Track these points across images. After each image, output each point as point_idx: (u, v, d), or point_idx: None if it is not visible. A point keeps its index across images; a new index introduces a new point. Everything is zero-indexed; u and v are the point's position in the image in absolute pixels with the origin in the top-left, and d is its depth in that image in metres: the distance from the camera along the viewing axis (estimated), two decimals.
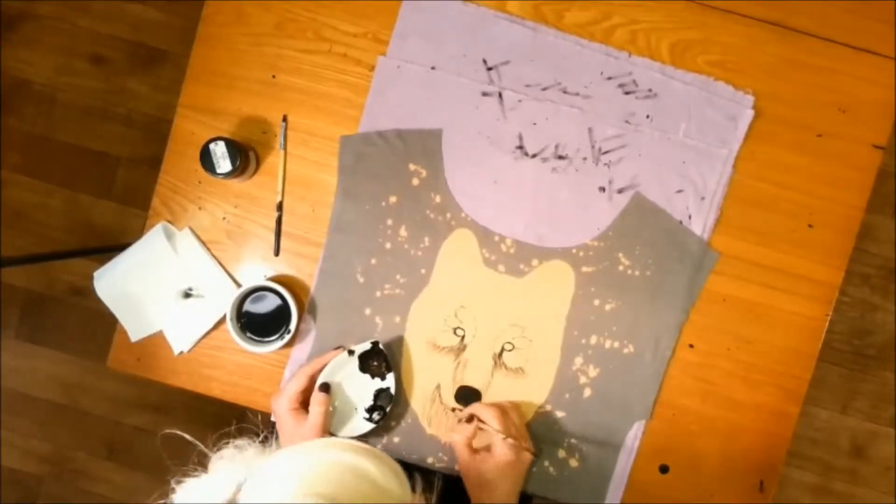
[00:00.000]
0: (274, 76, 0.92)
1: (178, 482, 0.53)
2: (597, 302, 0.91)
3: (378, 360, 0.88)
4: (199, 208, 0.93)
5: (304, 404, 0.85)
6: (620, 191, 0.91)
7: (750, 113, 0.90)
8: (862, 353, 1.71)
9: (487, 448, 0.84)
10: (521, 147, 0.91)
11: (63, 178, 1.76)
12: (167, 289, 0.92)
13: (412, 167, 0.91)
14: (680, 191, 0.91)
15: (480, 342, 0.91)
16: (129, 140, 1.75)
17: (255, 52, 0.92)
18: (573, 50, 0.91)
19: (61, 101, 1.76)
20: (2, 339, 1.77)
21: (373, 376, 0.88)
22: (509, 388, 0.91)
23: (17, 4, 1.74)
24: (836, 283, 0.91)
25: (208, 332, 0.92)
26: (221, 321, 0.91)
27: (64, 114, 1.76)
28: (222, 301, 0.90)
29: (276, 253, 0.92)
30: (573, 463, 0.91)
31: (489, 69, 0.91)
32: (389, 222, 0.91)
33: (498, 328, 0.91)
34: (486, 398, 0.91)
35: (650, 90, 0.91)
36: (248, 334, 0.90)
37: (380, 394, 0.88)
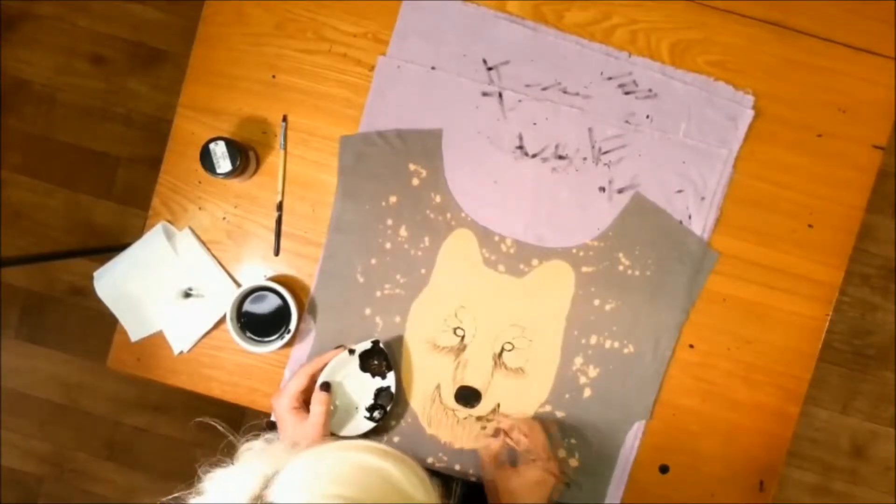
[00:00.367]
0: (274, 76, 0.92)
1: (206, 472, 0.53)
2: (597, 302, 0.91)
3: (379, 359, 0.88)
4: (199, 208, 0.93)
5: (305, 403, 0.85)
6: (620, 191, 0.91)
7: (750, 113, 0.90)
8: (862, 353, 1.71)
9: (513, 462, 0.86)
10: (521, 147, 0.91)
11: (63, 178, 1.76)
12: (167, 289, 0.92)
13: (412, 167, 0.91)
14: (680, 191, 0.91)
15: (480, 342, 0.91)
16: (129, 140, 1.75)
17: (255, 52, 0.92)
18: (573, 50, 0.91)
19: (61, 101, 1.75)
20: (2, 339, 1.77)
21: (373, 375, 0.88)
22: (509, 388, 0.91)
23: (17, 4, 1.74)
24: (836, 283, 0.91)
25: (208, 332, 0.92)
26: (221, 321, 0.91)
27: (64, 114, 1.76)
28: (222, 301, 0.90)
29: (276, 253, 0.92)
30: (573, 463, 0.91)
31: (489, 69, 0.91)
32: (389, 222, 0.91)
33: (498, 328, 0.91)
34: (486, 398, 0.91)
35: (650, 90, 0.91)
36: (248, 334, 0.90)
37: (380, 392, 0.88)
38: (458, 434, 0.91)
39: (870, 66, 0.91)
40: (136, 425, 1.77)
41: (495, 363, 0.91)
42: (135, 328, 0.92)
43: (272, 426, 0.91)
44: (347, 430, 0.87)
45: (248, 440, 0.57)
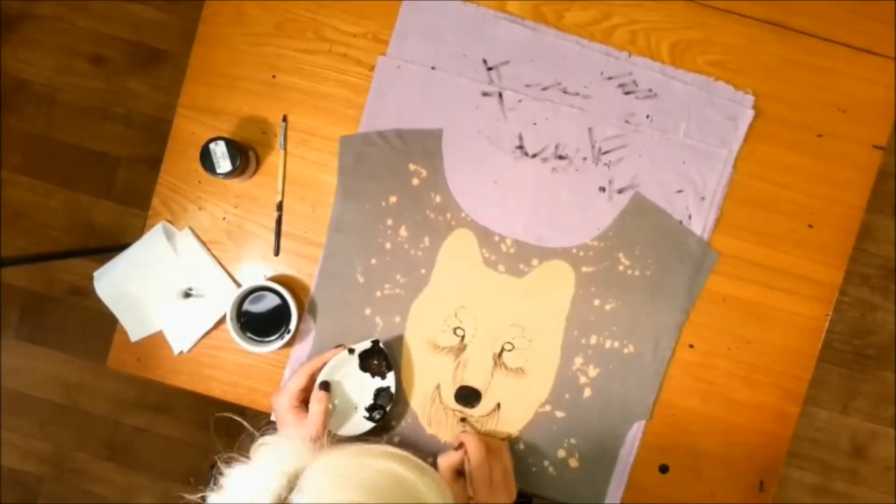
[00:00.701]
0: (274, 76, 0.92)
1: (224, 465, 0.52)
2: (597, 302, 0.91)
3: (378, 358, 0.87)
4: (199, 208, 0.93)
5: (305, 403, 0.84)
6: (620, 191, 0.91)
7: (750, 113, 0.90)
8: (862, 353, 1.71)
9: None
10: (521, 147, 0.91)
11: (63, 178, 1.76)
12: (167, 289, 0.92)
13: (412, 167, 0.91)
14: (680, 191, 0.91)
15: (480, 342, 0.91)
16: (129, 140, 1.75)
17: (255, 52, 0.92)
18: (573, 50, 0.91)
19: (61, 101, 1.75)
20: (2, 339, 1.77)
21: (373, 375, 0.88)
22: (509, 388, 0.91)
23: (17, 4, 1.74)
24: (836, 283, 0.91)
25: (208, 332, 0.92)
26: (221, 321, 0.91)
27: (64, 114, 1.76)
28: (222, 301, 0.90)
29: (276, 253, 0.92)
30: (573, 463, 0.91)
31: (489, 69, 0.91)
32: (389, 222, 0.91)
33: (498, 328, 0.91)
34: (485, 398, 0.91)
35: (650, 90, 0.91)
36: (248, 334, 0.90)
37: (380, 393, 0.88)
38: (458, 434, 0.91)
39: (870, 66, 0.91)
40: (136, 425, 1.77)
41: (495, 363, 0.91)
42: (135, 328, 0.92)
43: (273, 425, 0.91)
44: (347, 430, 0.87)
45: (263, 433, 0.56)
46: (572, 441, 0.91)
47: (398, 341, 0.91)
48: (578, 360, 0.91)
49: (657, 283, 0.90)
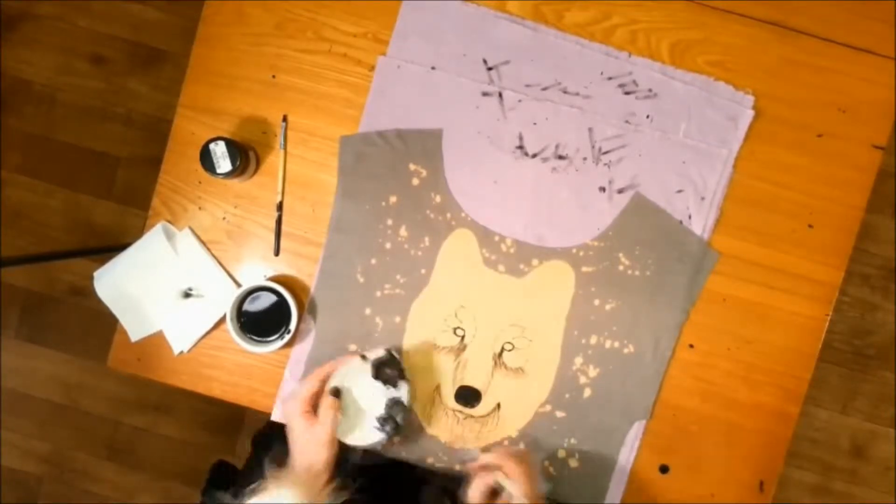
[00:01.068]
0: (274, 76, 0.92)
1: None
2: (597, 302, 0.91)
3: (392, 367, 0.85)
4: (199, 208, 0.93)
5: (316, 408, 0.83)
6: (620, 191, 0.91)
7: (750, 113, 0.90)
8: (862, 353, 1.71)
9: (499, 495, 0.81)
10: (521, 147, 0.91)
11: (63, 178, 1.76)
12: (167, 289, 0.92)
13: (412, 167, 0.91)
14: (680, 191, 0.91)
15: (480, 342, 0.91)
16: (129, 140, 1.75)
17: (255, 52, 0.92)
18: (573, 50, 0.91)
19: (61, 101, 1.75)
20: (2, 339, 1.77)
21: (385, 384, 0.85)
22: (509, 388, 0.91)
23: (17, 4, 1.74)
24: (836, 283, 0.91)
25: (208, 332, 0.92)
26: (221, 321, 0.91)
27: (64, 114, 1.76)
28: (222, 301, 0.90)
29: (276, 253, 0.92)
30: (573, 463, 0.91)
31: (489, 69, 0.91)
32: (389, 222, 0.91)
33: (498, 328, 0.91)
34: (486, 398, 0.91)
35: (650, 90, 0.91)
36: (248, 334, 0.90)
37: (393, 404, 0.85)
38: (458, 434, 0.91)
39: (870, 66, 0.91)
40: (136, 425, 1.77)
41: (495, 363, 0.91)
42: (135, 328, 0.92)
43: (273, 426, 0.91)
44: (357, 439, 0.85)
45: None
46: (572, 441, 0.91)
47: (398, 341, 0.91)
48: (578, 360, 0.91)
49: (657, 283, 0.90)
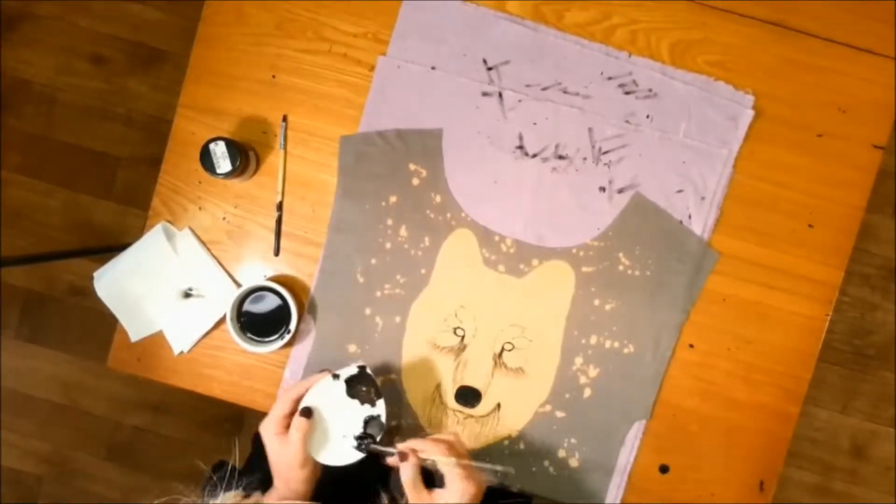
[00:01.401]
0: (274, 76, 0.92)
1: None
2: (597, 302, 0.91)
3: (367, 385, 0.82)
4: (199, 208, 0.93)
5: (289, 428, 0.79)
6: (620, 191, 0.91)
7: (750, 113, 0.90)
8: (862, 353, 1.71)
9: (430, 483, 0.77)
10: (521, 147, 0.91)
11: (63, 178, 1.76)
12: (167, 289, 0.92)
13: (412, 167, 0.91)
14: (680, 191, 0.91)
15: (480, 342, 0.91)
16: (129, 140, 1.75)
17: (255, 52, 0.92)
18: (573, 50, 0.91)
19: (61, 101, 1.76)
20: (2, 339, 1.77)
21: (362, 402, 0.82)
22: (509, 388, 0.91)
23: (17, 4, 1.74)
24: (836, 283, 0.91)
25: (208, 332, 0.92)
26: (221, 321, 0.91)
27: (64, 114, 1.76)
28: (222, 301, 0.90)
29: (276, 253, 0.92)
30: (573, 463, 0.91)
31: (489, 69, 0.91)
32: (389, 222, 0.91)
33: (498, 328, 0.91)
34: (486, 398, 0.91)
35: (650, 90, 0.91)
36: (248, 334, 0.90)
37: (370, 421, 0.81)
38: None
39: (870, 66, 0.91)
40: (136, 425, 1.77)
41: (495, 363, 0.91)
42: (135, 328, 0.92)
43: (258, 440, 0.89)
44: (334, 459, 0.81)
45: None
46: (572, 441, 0.91)
47: (398, 342, 0.91)
48: (578, 360, 0.91)
49: (657, 283, 0.90)
